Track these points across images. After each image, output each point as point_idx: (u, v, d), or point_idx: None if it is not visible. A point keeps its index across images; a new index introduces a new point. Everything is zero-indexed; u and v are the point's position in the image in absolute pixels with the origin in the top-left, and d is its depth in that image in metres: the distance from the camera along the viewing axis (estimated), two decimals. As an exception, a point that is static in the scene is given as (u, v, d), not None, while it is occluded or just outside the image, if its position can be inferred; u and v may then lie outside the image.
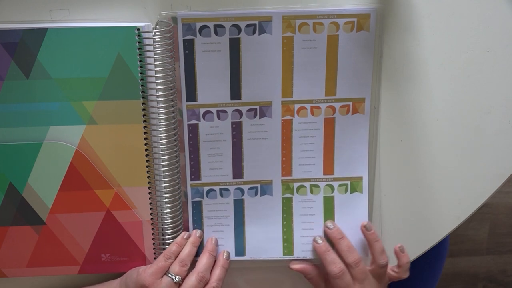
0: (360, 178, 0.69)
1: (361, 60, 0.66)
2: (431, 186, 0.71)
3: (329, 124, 0.68)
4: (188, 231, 0.70)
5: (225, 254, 0.70)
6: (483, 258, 1.59)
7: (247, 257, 0.71)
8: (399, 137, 0.70)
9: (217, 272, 0.68)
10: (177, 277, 0.65)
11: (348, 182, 0.70)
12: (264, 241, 0.71)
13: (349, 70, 0.66)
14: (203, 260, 0.67)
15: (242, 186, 0.70)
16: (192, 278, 0.66)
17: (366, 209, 0.70)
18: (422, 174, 0.71)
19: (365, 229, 0.69)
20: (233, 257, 0.71)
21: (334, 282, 0.68)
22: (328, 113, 0.67)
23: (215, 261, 0.69)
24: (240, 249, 0.71)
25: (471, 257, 1.58)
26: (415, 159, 0.70)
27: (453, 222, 0.73)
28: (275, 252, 0.71)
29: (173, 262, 0.66)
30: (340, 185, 0.70)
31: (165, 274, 0.65)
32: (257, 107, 0.67)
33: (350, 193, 0.70)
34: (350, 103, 0.67)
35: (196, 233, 0.69)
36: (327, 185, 0.70)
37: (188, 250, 0.67)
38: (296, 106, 0.67)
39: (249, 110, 0.67)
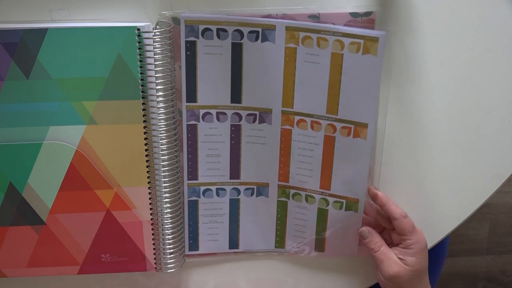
0: (357, 200, 0.69)
1: (366, 85, 0.64)
2: (431, 186, 0.71)
3: (329, 142, 0.67)
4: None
5: None
6: (483, 258, 1.59)
7: (241, 249, 0.72)
8: (399, 137, 0.69)
9: None
10: None
11: (344, 201, 0.69)
12: (257, 235, 0.72)
13: (352, 92, 0.64)
14: None
15: (238, 187, 0.70)
16: None
17: (359, 226, 0.70)
18: (422, 174, 0.71)
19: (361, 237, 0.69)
20: (227, 249, 0.72)
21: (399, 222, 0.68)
22: (328, 131, 0.66)
23: None
24: (234, 242, 0.72)
25: (471, 257, 1.58)
26: (415, 159, 0.70)
27: (453, 222, 0.73)
28: (268, 244, 0.72)
29: None
30: (335, 202, 0.69)
31: None
32: (257, 112, 0.67)
33: (345, 210, 0.70)
34: (352, 126, 0.66)
35: None
36: (322, 198, 0.70)
37: None
38: (296, 118, 0.67)
39: (248, 115, 0.67)
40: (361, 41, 0.62)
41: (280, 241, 0.72)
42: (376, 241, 0.69)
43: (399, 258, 0.67)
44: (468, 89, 0.69)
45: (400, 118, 0.69)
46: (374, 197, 0.69)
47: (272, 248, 0.72)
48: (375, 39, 0.62)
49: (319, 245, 0.72)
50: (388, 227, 0.70)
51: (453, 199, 0.72)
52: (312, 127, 0.67)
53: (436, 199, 0.72)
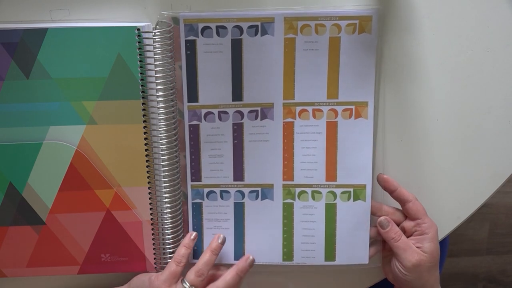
0: (364, 186, 0.68)
1: (363, 63, 0.65)
2: (431, 186, 0.71)
3: (332, 128, 0.67)
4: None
5: (220, 239, 0.68)
6: (483, 258, 1.59)
7: None
8: (399, 137, 0.70)
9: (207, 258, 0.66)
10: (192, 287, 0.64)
11: (351, 190, 0.69)
12: (263, 246, 0.70)
13: (351, 73, 0.65)
14: (227, 278, 0.65)
15: (242, 189, 0.69)
16: None
17: (369, 218, 0.69)
18: (422, 174, 0.71)
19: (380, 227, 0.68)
20: (232, 260, 0.70)
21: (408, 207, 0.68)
22: (330, 117, 0.67)
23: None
24: (239, 252, 0.71)
25: (471, 257, 1.58)
26: (415, 159, 0.70)
27: (453, 222, 0.73)
28: (275, 257, 0.71)
29: (184, 265, 0.65)
30: (342, 192, 0.69)
31: (180, 280, 0.64)
32: (259, 108, 0.67)
33: (353, 201, 0.69)
34: (353, 107, 0.66)
35: (219, 239, 0.68)
36: (329, 192, 0.69)
37: (206, 258, 0.66)
38: (298, 109, 0.67)
39: (250, 112, 0.67)
40: (357, 21, 0.64)
41: (288, 253, 0.70)
42: (396, 230, 0.67)
43: (417, 247, 0.67)
44: (468, 89, 0.69)
45: (400, 118, 0.69)
46: (384, 182, 0.68)
47: (280, 262, 0.71)
48: (369, 18, 0.64)
49: (329, 253, 0.70)
50: (399, 220, 0.69)
51: (453, 199, 0.72)
52: (314, 116, 0.67)
53: (436, 199, 0.71)
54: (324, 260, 0.70)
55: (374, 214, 0.69)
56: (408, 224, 0.68)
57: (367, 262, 0.70)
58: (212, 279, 0.66)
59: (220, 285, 0.65)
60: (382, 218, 0.68)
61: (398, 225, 0.69)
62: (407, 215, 0.68)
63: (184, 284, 0.64)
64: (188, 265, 0.67)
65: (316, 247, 0.70)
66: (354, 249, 0.70)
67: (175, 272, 0.64)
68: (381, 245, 0.71)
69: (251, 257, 0.68)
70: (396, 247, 0.67)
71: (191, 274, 0.64)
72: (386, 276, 0.72)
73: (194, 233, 0.68)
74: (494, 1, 0.66)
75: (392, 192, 0.68)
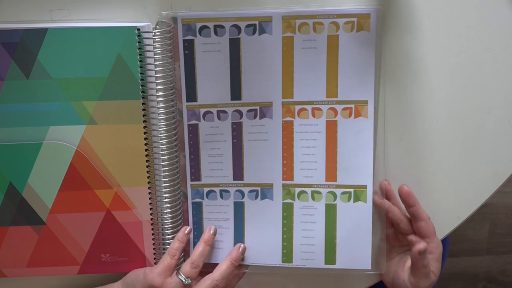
0: (364, 187, 0.68)
1: (362, 61, 0.65)
2: (431, 186, 0.71)
3: (332, 128, 0.67)
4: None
5: (212, 230, 0.69)
6: (483, 258, 1.59)
7: (246, 262, 0.70)
8: (399, 137, 0.70)
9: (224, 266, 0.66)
10: (187, 279, 0.64)
11: (352, 190, 0.68)
12: (263, 247, 0.70)
13: (350, 71, 0.65)
14: (222, 267, 0.66)
15: (242, 188, 0.69)
16: (207, 283, 0.64)
17: (370, 220, 0.68)
18: (422, 174, 0.71)
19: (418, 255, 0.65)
20: None
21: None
22: (329, 115, 0.67)
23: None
24: None
25: (471, 257, 1.58)
26: (415, 159, 0.70)
27: (453, 222, 0.73)
28: (274, 259, 0.70)
29: (178, 258, 0.66)
30: (343, 193, 0.68)
31: (175, 273, 0.65)
32: (258, 107, 0.67)
33: (354, 202, 0.68)
34: (353, 106, 0.66)
35: (210, 230, 0.68)
36: (329, 192, 0.68)
37: (200, 249, 0.66)
38: (297, 107, 0.67)
39: (249, 111, 0.67)
40: (355, 19, 0.64)
41: (287, 254, 0.70)
42: (427, 257, 0.66)
43: None
44: (468, 89, 0.69)
45: (400, 118, 0.69)
46: (406, 195, 0.67)
47: (279, 264, 0.70)
48: (367, 16, 0.63)
49: (329, 256, 0.69)
50: (406, 230, 0.68)
51: (453, 199, 0.72)
52: (313, 115, 0.67)
53: (436, 199, 0.71)
54: (324, 263, 0.69)
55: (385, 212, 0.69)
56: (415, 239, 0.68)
57: (370, 268, 0.69)
58: None
59: (216, 275, 0.65)
60: (423, 246, 0.65)
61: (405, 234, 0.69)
62: (417, 232, 0.68)
63: (179, 276, 0.64)
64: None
65: (316, 249, 0.69)
66: (356, 253, 0.69)
67: (170, 265, 0.65)
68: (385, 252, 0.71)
69: (242, 246, 0.69)
70: (423, 274, 0.66)
71: (186, 266, 0.65)
72: (382, 278, 0.72)
73: (188, 228, 0.68)
74: (494, 1, 0.66)
75: (409, 207, 0.67)
